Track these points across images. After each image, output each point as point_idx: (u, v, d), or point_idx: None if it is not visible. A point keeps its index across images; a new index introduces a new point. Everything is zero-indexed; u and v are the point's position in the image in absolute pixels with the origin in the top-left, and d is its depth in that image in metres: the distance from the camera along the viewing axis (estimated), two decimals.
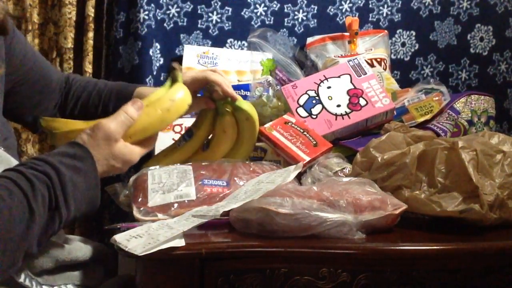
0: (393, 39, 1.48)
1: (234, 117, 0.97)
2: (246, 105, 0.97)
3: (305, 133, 1.04)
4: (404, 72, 1.49)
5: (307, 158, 0.98)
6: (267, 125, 1.04)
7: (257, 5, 1.42)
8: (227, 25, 1.41)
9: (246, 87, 1.27)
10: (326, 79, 1.16)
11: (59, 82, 1.00)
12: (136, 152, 0.79)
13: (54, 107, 0.99)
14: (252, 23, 1.42)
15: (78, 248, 0.75)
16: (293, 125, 1.05)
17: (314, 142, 1.02)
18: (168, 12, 1.38)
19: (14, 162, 0.72)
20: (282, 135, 1.03)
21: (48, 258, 0.70)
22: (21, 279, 0.67)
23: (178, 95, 0.85)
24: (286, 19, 1.44)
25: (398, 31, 1.48)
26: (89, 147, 0.72)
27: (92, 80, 1.05)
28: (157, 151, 1.08)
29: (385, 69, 1.31)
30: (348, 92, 1.13)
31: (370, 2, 1.47)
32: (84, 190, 0.68)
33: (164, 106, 0.82)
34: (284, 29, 1.44)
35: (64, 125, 0.83)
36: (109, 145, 0.74)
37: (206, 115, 0.98)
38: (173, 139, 1.10)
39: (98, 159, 0.72)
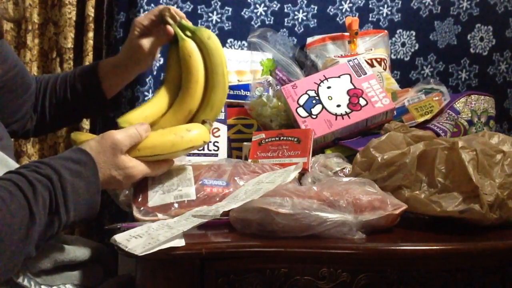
0: (393, 39, 1.48)
1: (196, 42, 0.92)
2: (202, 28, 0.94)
3: (281, 138, 1.02)
4: (404, 72, 1.49)
5: (305, 159, 0.98)
6: (249, 160, 1.01)
7: (257, 5, 1.42)
8: (227, 25, 1.41)
9: (246, 87, 1.27)
10: (326, 79, 1.16)
11: (34, 86, 0.99)
12: (139, 169, 0.78)
13: (31, 110, 0.99)
14: (252, 23, 1.42)
15: (77, 248, 0.75)
16: (265, 140, 1.04)
17: (296, 139, 1.01)
18: None
19: (11, 162, 0.72)
20: (268, 156, 1.01)
21: (47, 259, 0.70)
22: (20, 279, 0.67)
23: (195, 131, 0.84)
24: (286, 19, 1.44)
25: (398, 31, 1.48)
26: (93, 154, 0.72)
27: (55, 74, 1.08)
28: None
29: (385, 69, 1.31)
30: (348, 92, 1.13)
31: (370, 2, 1.47)
32: (84, 196, 0.68)
33: (179, 133, 0.82)
34: (284, 29, 1.44)
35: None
36: (114, 154, 0.75)
37: (171, 55, 0.94)
38: None
39: (101, 167, 0.73)
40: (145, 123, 0.82)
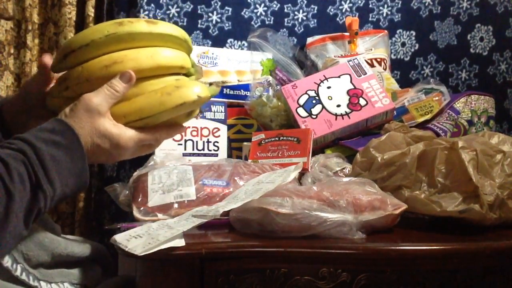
0: (393, 39, 1.48)
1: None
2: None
3: (280, 138, 1.02)
4: (404, 72, 1.49)
5: (305, 159, 0.98)
6: (249, 160, 1.01)
7: (257, 5, 1.42)
8: (227, 25, 1.41)
9: (246, 87, 1.27)
10: (326, 79, 1.16)
11: None
12: (128, 136, 0.71)
13: None
14: (252, 23, 1.42)
15: (76, 244, 0.75)
16: (265, 140, 1.04)
17: (295, 139, 1.01)
18: (168, 12, 1.38)
19: None
20: (267, 157, 1.01)
21: (44, 251, 0.70)
22: (18, 273, 0.67)
23: (186, 86, 0.74)
24: (286, 19, 1.44)
25: (398, 31, 1.48)
26: (69, 121, 0.67)
27: None
28: (157, 151, 1.08)
29: (385, 69, 1.31)
30: (348, 92, 1.13)
31: (370, 2, 1.47)
32: (68, 165, 0.64)
33: (166, 90, 0.73)
34: (284, 29, 1.44)
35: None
36: (91, 118, 0.68)
37: None
38: (173, 139, 1.09)
39: (80, 133, 0.66)
40: (124, 73, 0.71)
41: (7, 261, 0.65)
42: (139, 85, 0.73)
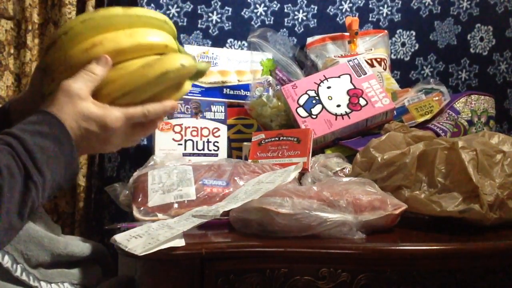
0: (393, 39, 1.48)
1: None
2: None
3: (280, 138, 1.03)
4: (404, 72, 1.49)
5: (305, 159, 0.98)
6: (249, 160, 1.01)
7: (257, 5, 1.42)
8: (227, 25, 1.41)
9: (246, 87, 1.27)
10: (326, 79, 1.16)
11: None
12: (115, 114, 0.68)
13: None
14: (252, 23, 1.42)
15: (75, 244, 0.75)
16: (265, 140, 1.04)
17: (295, 139, 1.01)
18: (168, 12, 1.38)
19: None
20: (267, 157, 1.01)
21: (44, 251, 0.70)
22: (18, 273, 0.67)
23: (168, 56, 0.72)
24: (286, 19, 1.44)
25: (398, 31, 1.48)
26: (52, 110, 0.66)
27: None
28: (157, 151, 1.08)
29: (385, 69, 1.31)
30: (348, 92, 1.13)
31: (370, 2, 1.47)
32: (57, 153, 0.63)
33: (148, 63, 0.70)
34: (284, 29, 1.44)
35: None
36: (72, 103, 0.66)
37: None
38: (173, 139, 1.10)
39: (64, 119, 0.65)
40: (100, 57, 0.70)
41: (7, 262, 0.65)
42: (122, 67, 0.71)
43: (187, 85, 0.77)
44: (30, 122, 0.64)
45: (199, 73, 0.78)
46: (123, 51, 0.71)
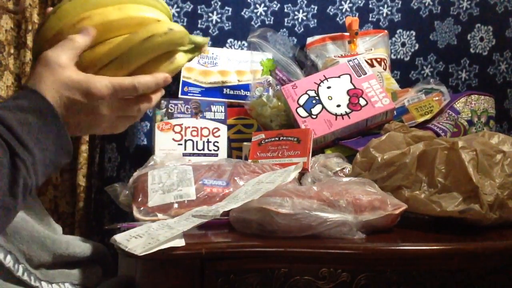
0: (393, 39, 1.48)
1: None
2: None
3: (280, 138, 1.02)
4: (404, 72, 1.49)
5: (305, 159, 0.98)
6: (249, 160, 1.01)
7: (257, 5, 1.42)
8: (227, 25, 1.41)
9: (246, 87, 1.27)
10: (326, 79, 1.16)
11: None
12: (100, 82, 0.64)
13: None
14: (252, 23, 1.42)
15: (77, 245, 0.75)
16: (265, 140, 1.04)
17: (295, 139, 1.01)
18: None
19: None
20: (267, 157, 1.01)
21: (46, 252, 0.70)
22: (19, 273, 0.67)
23: (155, 24, 0.68)
24: (286, 19, 1.44)
25: (398, 31, 1.48)
26: (31, 83, 0.62)
27: None
28: (157, 151, 1.08)
29: (385, 69, 1.31)
30: (348, 92, 1.13)
31: (370, 2, 1.47)
32: (41, 127, 0.59)
33: (134, 30, 0.67)
34: (284, 29, 1.44)
35: None
36: (51, 72, 0.62)
37: None
38: (173, 139, 1.10)
39: (44, 89, 0.61)
40: (85, 28, 0.66)
41: (9, 262, 0.65)
42: (111, 41, 0.68)
43: (181, 58, 0.72)
44: (10, 99, 0.61)
45: (196, 47, 0.74)
46: (111, 24, 0.68)
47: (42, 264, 0.70)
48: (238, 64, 1.30)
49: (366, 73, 1.16)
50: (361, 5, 1.46)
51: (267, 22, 1.43)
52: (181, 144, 1.10)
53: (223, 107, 1.14)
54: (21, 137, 0.57)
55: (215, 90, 1.26)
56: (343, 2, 1.46)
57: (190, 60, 0.75)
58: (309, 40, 1.42)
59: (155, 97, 0.72)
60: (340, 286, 0.67)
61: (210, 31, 1.40)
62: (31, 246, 0.68)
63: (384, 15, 1.48)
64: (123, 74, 0.67)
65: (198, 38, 0.73)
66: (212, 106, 1.13)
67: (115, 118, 0.69)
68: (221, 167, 0.90)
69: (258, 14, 1.43)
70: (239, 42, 1.42)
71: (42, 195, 1.28)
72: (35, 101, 0.60)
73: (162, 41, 0.67)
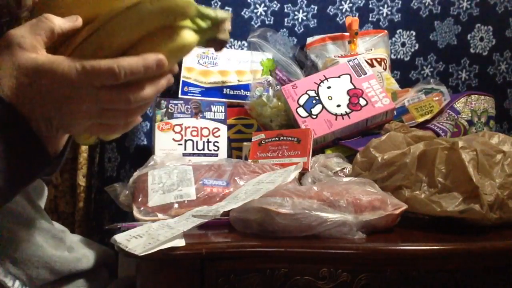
0: (393, 39, 1.48)
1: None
2: None
3: (280, 138, 1.03)
4: (404, 72, 1.49)
5: (305, 159, 0.98)
6: (249, 160, 1.01)
7: (257, 5, 1.42)
8: None
9: (246, 87, 1.27)
10: (326, 79, 1.16)
11: None
12: (69, 63, 0.51)
13: None
14: (252, 23, 1.42)
15: (81, 257, 0.74)
16: (265, 140, 1.04)
17: (295, 139, 1.01)
18: None
19: None
20: (267, 157, 1.01)
21: (54, 275, 0.69)
22: None
23: None
24: (286, 19, 1.44)
25: (398, 31, 1.48)
26: None
27: None
28: (157, 151, 1.08)
29: (385, 69, 1.31)
30: (348, 92, 1.13)
31: (370, 2, 1.47)
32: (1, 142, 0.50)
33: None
34: (284, 29, 1.44)
35: None
36: (10, 54, 0.51)
37: None
38: (173, 139, 1.10)
39: (2, 78, 0.51)
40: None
41: (17, 287, 0.65)
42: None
43: (188, 35, 0.55)
44: None
45: (215, 25, 0.56)
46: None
47: (48, 282, 0.70)
48: (238, 64, 1.30)
49: (366, 73, 1.16)
50: (361, 5, 1.46)
51: (267, 22, 1.43)
52: (181, 144, 1.10)
53: (223, 107, 1.14)
54: None
55: (215, 90, 1.26)
56: (343, 2, 1.46)
57: (204, 42, 0.57)
58: (309, 40, 1.42)
59: (155, 86, 0.56)
60: (340, 286, 0.67)
61: None
62: (40, 272, 0.68)
63: (384, 15, 1.48)
64: (105, 56, 0.52)
65: (212, 12, 0.55)
66: (212, 106, 1.13)
67: (99, 113, 0.54)
68: (221, 167, 0.90)
69: (258, 14, 1.43)
70: (239, 42, 1.42)
71: None
72: None
73: (152, 9, 0.51)
